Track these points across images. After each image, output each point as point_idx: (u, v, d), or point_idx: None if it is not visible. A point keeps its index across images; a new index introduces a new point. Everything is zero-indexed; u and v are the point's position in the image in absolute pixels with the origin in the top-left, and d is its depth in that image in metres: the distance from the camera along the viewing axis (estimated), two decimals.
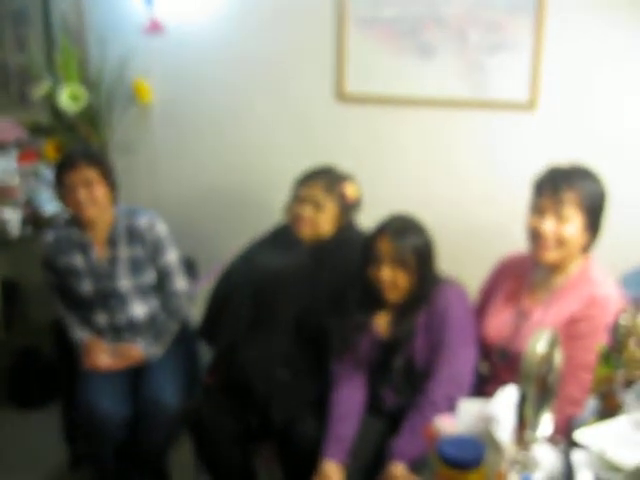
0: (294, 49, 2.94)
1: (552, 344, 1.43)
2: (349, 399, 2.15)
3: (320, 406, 2.19)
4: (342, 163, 2.45)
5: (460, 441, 1.45)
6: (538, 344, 1.36)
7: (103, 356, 2.48)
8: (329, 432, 2.09)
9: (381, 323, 2.15)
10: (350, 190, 2.37)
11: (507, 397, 1.54)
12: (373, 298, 2.12)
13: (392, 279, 2.05)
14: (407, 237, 2.05)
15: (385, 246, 2.05)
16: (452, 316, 2.06)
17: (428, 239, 2.10)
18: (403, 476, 1.91)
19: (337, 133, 2.94)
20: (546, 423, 1.45)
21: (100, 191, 2.44)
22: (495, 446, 1.47)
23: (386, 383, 2.13)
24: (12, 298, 3.92)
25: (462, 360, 2.03)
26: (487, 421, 1.51)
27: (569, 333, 1.87)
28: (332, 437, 2.08)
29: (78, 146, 3.09)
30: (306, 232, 2.33)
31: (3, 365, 3.38)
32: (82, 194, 2.41)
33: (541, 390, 1.44)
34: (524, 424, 1.40)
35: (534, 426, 1.41)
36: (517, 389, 1.42)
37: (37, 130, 3.49)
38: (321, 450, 2.07)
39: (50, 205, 3.24)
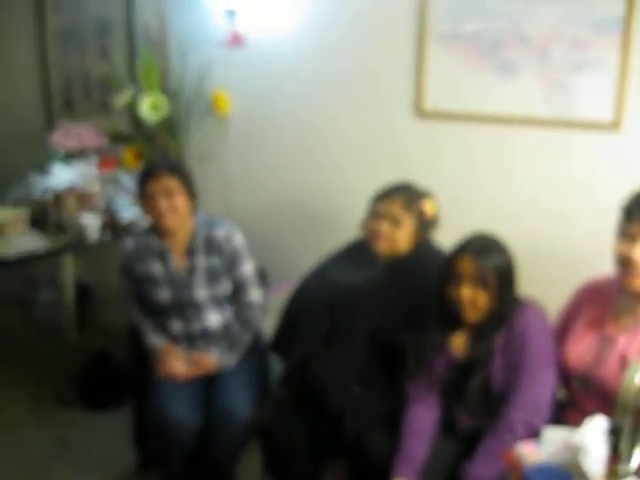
0: (374, 64, 2.95)
1: None
2: (422, 418, 2.12)
3: (392, 423, 2.17)
4: (420, 180, 2.44)
5: (548, 469, 1.42)
6: (636, 375, 1.32)
7: (178, 363, 2.50)
8: (401, 450, 2.07)
9: (458, 343, 2.12)
10: (428, 207, 2.35)
11: (596, 427, 1.50)
12: (451, 317, 2.10)
13: (472, 299, 2.02)
14: (489, 256, 2.02)
15: (466, 265, 2.02)
16: (532, 338, 2.01)
17: (510, 259, 2.06)
18: None
19: (415, 150, 2.92)
20: (638, 456, 1.41)
21: (180, 201, 2.48)
22: (583, 477, 1.43)
23: (461, 404, 2.09)
24: (86, 301, 4.03)
25: (541, 384, 1.99)
26: (574, 451, 1.47)
27: None
28: (404, 456, 2.06)
29: (160, 156, 3.17)
30: (383, 248, 2.32)
31: (75, 367, 3.46)
32: (163, 203, 2.45)
33: (635, 424, 1.40)
34: (617, 457, 1.36)
35: (628, 459, 1.37)
36: (609, 420, 1.39)
37: (117, 138, 3.60)
38: (392, 468, 2.05)
39: (128, 212, 3.32)
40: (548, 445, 1.54)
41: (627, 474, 1.37)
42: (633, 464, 1.40)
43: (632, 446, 1.38)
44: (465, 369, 2.08)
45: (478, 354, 2.05)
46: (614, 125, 2.58)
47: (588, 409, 1.84)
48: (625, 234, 1.91)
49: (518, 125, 2.73)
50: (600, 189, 2.60)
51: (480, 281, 2.00)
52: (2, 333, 4.16)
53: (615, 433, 1.34)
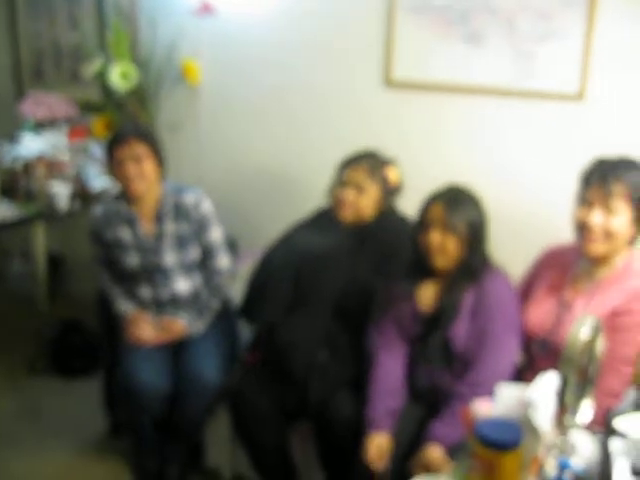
0: (343, 33, 2.95)
1: (595, 331, 1.43)
2: (390, 369, 2.16)
3: (357, 388, 2.21)
4: (387, 148, 2.46)
5: (498, 423, 1.46)
6: (582, 329, 1.36)
7: (147, 329, 2.53)
8: (376, 405, 2.10)
9: (426, 296, 2.15)
10: (392, 174, 2.38)
11: (546, 383, 1.55)
12: (421, 267, 2.13)
13: (441, 244, 2.05)
14: (460, 205, 2.06)
15: (437, 210, 2.06)
16: (501, 305, 2.05)
17: (482, 213, 2.09)
18: (439, 459, 1.92)
19: (384, 119, 2.94)
20: (585, 410, 1.46)
21: (149, 166, 2.49)
22: (533, 431, 1.48)
23: (422, 360, 2.13)
24: (57, 272, 4.02)
25: (506, 351, 2.03)
26: (525, 406, 1.52)
27: (611, 326, 1.86)
28: (380, 410, 2.09)
29: (129, 123, 3.15)
30: (348, 215, 2.35)
31: (47, 336, 3.47)
32: (131, 169, 2.46)
33: (582, 378, 1.45)
34: (564, 409, 1.41)
35: (574, 412, 1.42)
36: (558, 374, 1.43)
37: (87, 107, 3.57)
38: (369, 423, 2.08)
39: (98, 181, 3.32)
40: (502, 401, 1.58)
41: (573, 425, 1.42)
42: (579, 417, 1.46)
43: (578, 399, 1.43)
44: (430, 322, 2.11)
45: (444, 307, 2.08)
46: (579, 95, 2.62)
47: (545, 370, 1.90)
48: (583, 200, 1.96)
49: (486, 95, 2.76)
50: (564, 159, 2.64)
51: (449, 227, 2.03)
52: None
53: (561, 385, 1.38)
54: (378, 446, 2.05)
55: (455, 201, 2.06)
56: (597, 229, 1.90)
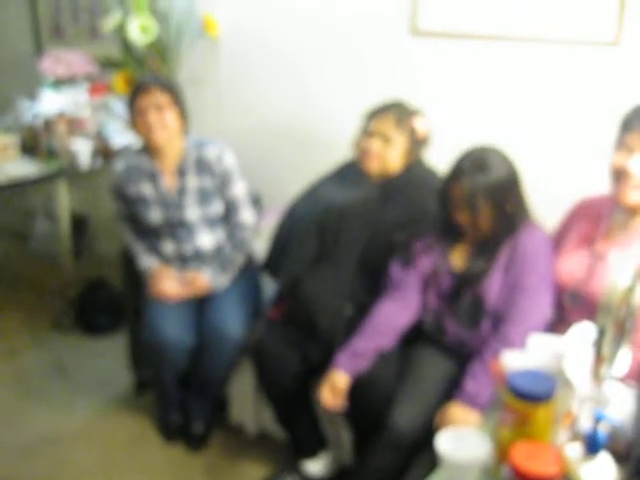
0: None
1: (633, 281, 1.38)
2: (390, 315, 2.13)
3: None
4: (414, 100, 2.39)
5: (531, 375, 1.42)
6: (621, 278, 1.31)
7: (171, 284, 2.52)
8: (352, 344, 2.11)
9: (458, 254, 2.10)
10: (421, 124, 2.31)
11: (580, 334, 1.50)
12: (452, 229, 2.08)
13: (471, 222, 2.01)
14: (478, 177, 1.96)
15: (458, 191, 1.99)
16: (534, 259, 1.99)
17: (505, 172, 2.00)
18: (463, 415, 1.90)
19: (410, 69, 2.86)
20: (622, 362, 1.41)
21: (171, 116, 2.45)
22: (566, 382, 1.44)
23: (451, 314, 2.09)
24: (81, 231, 4.03)
25: (539, 305, 1.98)
26: (559, 357, 1.48)
27: None
28: (350, 348, 2.11)
29: (151, 74, 3.12)
30: (374, 167, 2.29)
31: (72, 294, 3.49)
32: (153, 117, 2.42)
33: (619, 330, 1.40)
34: (600, 360, 1.36)
35: (610, 363, 1.37)
36: (594, 325, 1.39)
37: (107, 64, 3.53)
38: (333, 362, 2.11)
39: (120, 137, 3.29)
40: (534, 352, 1.54)
41: (609, 376, 1.38)
42: (616, 368, 1.41)
43: (615, 350, 1.38)
44: (462, 281, 2.07)
45: (475, 268, 2.04)
46: (614, 42, 2.51)
47: (576, 323, 1.85)
48: (622, 145, 1.87)
49: (516, 42, 2.66)
50: (599, 105, 2.55)
51: (472, 207, 1.97)
52: (0, 264, 4.18)
53: (598, 335, 1.34)
54: (333, 385, 2.08)
55: (474, 175, 1.96)
56: (636, 174, 1.83)
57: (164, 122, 2.43)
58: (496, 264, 2.02)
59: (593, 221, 2.03)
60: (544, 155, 2.67)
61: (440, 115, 2.46)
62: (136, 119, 2.47)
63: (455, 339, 2.10)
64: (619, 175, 1.86)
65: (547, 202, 2.23)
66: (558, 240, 2.13)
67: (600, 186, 2.00)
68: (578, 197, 2.14)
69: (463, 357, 2.05)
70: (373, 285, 2.25)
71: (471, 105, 2.78)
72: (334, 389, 2.10)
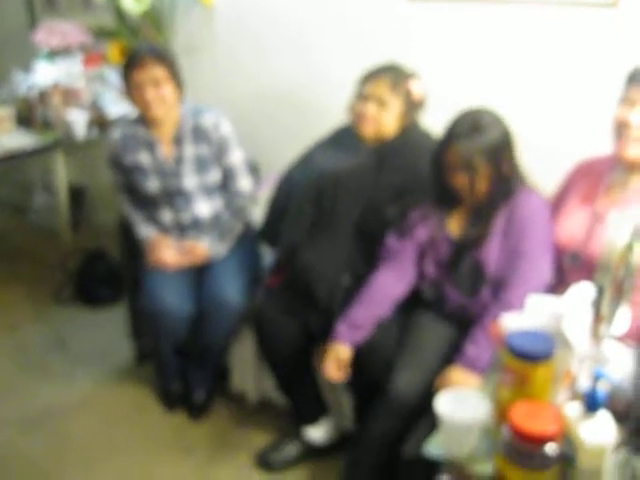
0: None
1: (632, 239, 1.37)
2: (385, 284, 2.13)
3: None
4: (409, 63, 2.35)
5: (530, 335, 1.42)
6: (620, 237, 1.30)
7: (169, 252, 2.51)
8: (349, 315, 2.11)
9: (455, 221, 2.09)
10: (416, 87, 2.27)
11: (579, 294, 1.49)
12: (449, 198, 2.06)
13: (467, 185, 1.98)
14: (474, 139, 1.93)
15: (453, 155, 1.97)
16: (532, 224, 1.98)
17: (502, 134, 1.97)
18: (463, 379, 1.90)
19: (405, 33, 2.82)
20: (621, 321, 1.41)
21: (168, 90, 2.42)
22: (565, 342, 1.43)
23: (451, 282, 2.09)
24: (79, 203, 4.02)
25: (539, 270, 1.96)
26: (557, 317, 1.47)
27: None
28: (348, 320, 2.11)
29: (144, 44, 3.06)
30: (369, 131, 2.25)
31: (71, 266, 3.48)
32: (150, 93, 2.39)
33: (618, 289, 1.39)
34: (599, 320, 1.36)
35: (609, 322, 1.37)
36: (593, 284, 1.38)
37: (101, 34, 3.49)
38: (334, 335, 2.11)
39: (115, 107, 3.27)
40: (533, 313, 1.54)
41: (608, 335, 1.37)
42: (615, 328, 1.40)
43: (613, 309, 1.38)
44: (460, 247, 2.06)
45: (473, 234, 2.02)
46: (612, 3, 2.48)
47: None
48: (625, 99, 1.86)
49: (513, 3, 2.62)
50: (597, 67, 2.52)
51: (470, 169, 1.95)
52: None
53: (597, 294, 1.33)
54: (336, 358, 2.08)
55: (469, 137, 1.94)
56: (638, 127, 1.81)
57: (162, 97, 2.41)
58: (494, 230, 2.01)
59: (593, 180, 2.02)
60: (542, 118, 2.64)
61: (436, 78, 2.42)
62: (132, 92, 2.43)
63: (455, 306, 2.09)
64: (621, 129, 1.85)
65: (546, 165, 2.21)
66: (558, 202, 2.11)
67: (599, 148, 1.98)
68: (577, 159, 2.13)
69: (463, 323, 2.04)
70: (370, 255, 2.24)
71: (468, 68, 2.74)
72: (338, 362, 2.10)
